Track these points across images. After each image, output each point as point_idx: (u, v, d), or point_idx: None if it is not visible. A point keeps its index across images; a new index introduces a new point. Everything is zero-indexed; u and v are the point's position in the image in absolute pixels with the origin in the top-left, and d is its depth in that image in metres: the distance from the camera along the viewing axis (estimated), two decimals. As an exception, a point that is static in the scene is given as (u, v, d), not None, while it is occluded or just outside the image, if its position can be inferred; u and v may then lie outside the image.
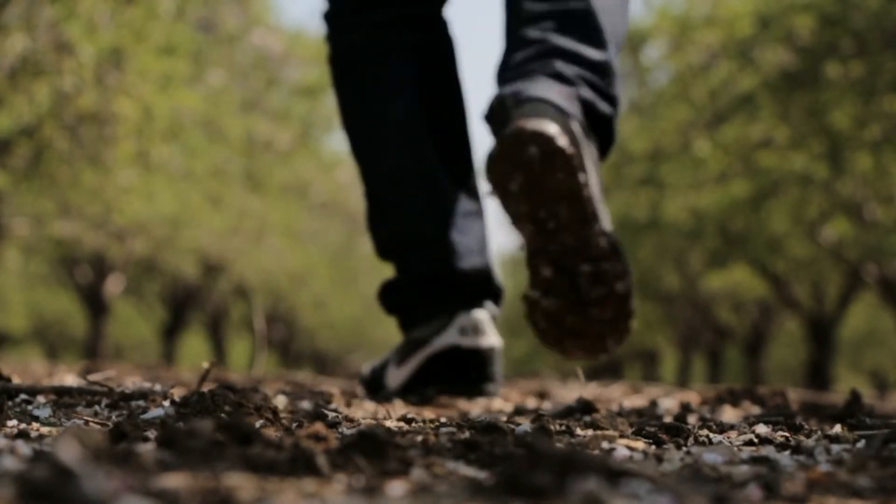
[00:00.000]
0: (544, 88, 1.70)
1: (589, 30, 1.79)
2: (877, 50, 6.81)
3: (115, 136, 6.67)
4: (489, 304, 2.14)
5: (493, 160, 1.68)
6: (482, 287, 2.11)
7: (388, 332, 23.96)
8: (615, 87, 1.81)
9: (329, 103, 11.94)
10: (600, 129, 1.79)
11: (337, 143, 15.44)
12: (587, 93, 1.76)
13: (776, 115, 7.89)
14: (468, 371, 2.05)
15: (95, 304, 12.61)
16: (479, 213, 2.13)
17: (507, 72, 1.78)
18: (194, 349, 22.43)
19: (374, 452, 1.09)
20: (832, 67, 7.10)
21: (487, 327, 2.09)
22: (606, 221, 1.75)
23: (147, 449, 1.10)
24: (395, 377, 2.13)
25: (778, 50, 7.47)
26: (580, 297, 1.75)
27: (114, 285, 12.61)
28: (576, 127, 1.69)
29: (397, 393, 2.12)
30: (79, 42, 5.88)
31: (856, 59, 6.97)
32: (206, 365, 1.84)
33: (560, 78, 1.74)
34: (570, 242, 1.70)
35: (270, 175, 10.91)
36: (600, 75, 1.78)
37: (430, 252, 2.05)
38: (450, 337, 2.06)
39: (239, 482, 0.96)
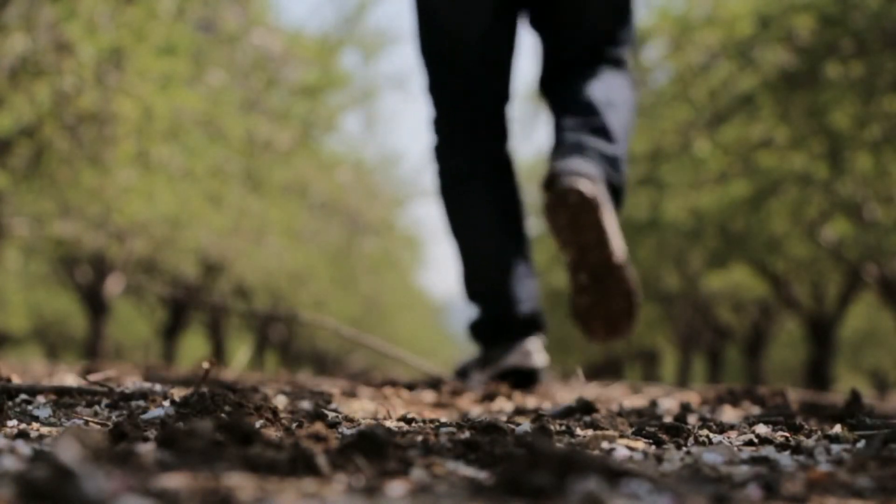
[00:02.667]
0: (580, 164, 2.73)
1: (605, 135, 2.86)
2: (877, 50, 6.81)
3: (115, 136, 6.66)
4: (539, 335, 3.10)
5: (549, 206, 2.69)
6: (533, 324, 3.09)
7: (389, 332, 23.97)
8: (622, 167, 2.88)
9: (329, 103, 11.95)
10: (614, 192, 2.84)
11: (337, 143, 15.46)
12: (606, 169, 2.80)
13: (776, 115, 7.89)
14: (524, 381, 2.99)
15: (95, 304, 12.61)
16: (532, 275, 3.14)
17: (556, 156, 2.81)
18: (194, 349, 22.43)
19: (374, 452, 1.09)
20: (832, 67, 7.10)
21: (536, 352, 3.04)
22: (620, 245, 2.76)
23: (147, 449, 1.10)
24: (476, 379, 3.02)
25: (778, 50, 7.47)
26: (605, 294, 2.77)
27: (114, 285, 12.61)
28: (600, 187, 2.70)
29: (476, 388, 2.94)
30: (79, 42, 5.88)
31: (856, 59, 6.96)
32: (206, 365, 1.84)
33: (589, 160, 2.76)
34: (596, 259, 2.72)
35: (270, 175, 10.91)
36: (613, 161, 2.84)
37: (502, 301, 3.07)
38: (513, 358, 3.01)
39: (239, 482, 0.96)
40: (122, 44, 6.15)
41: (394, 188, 19.47)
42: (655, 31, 8.71)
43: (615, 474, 0.98)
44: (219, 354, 15.49)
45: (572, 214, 2.65)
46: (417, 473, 1.06)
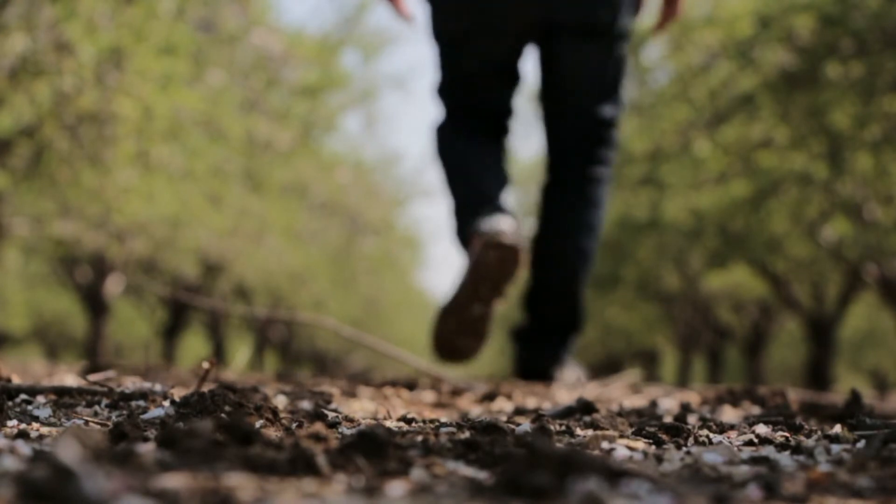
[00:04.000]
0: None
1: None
2: (877, 50, 6.81)
3: (115, 136, 6.66)
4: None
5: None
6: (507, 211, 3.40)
7: (388, 332, 23.97)
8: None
9: (329, 103, 11.95)
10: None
11: (337, 143, 15.45)
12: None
13: (776, 115, 7.89)
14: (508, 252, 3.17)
15: (95, 304, 12.61)
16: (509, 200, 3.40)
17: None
18: (194, 349, 22.43)
19: (374, 452, 1.09)
20: (832, 67, 7.10)
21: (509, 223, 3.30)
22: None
23: (147, 449, 1.10)
24: (470, 251, 3.15)
25: (778, 50, 7.47)
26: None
27: (114, 285, 12.61)
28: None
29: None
30: (79, 42, 5.88)
31: (856, 59, 6.96)
32: (206, 365, 1.84)
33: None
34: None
35: (270, 175, 10.91)
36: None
37: (486, 205, 3.23)
38: (491, 223, 3.11)
39: (239, 482, 0.96)
40: (122, 44, 6.14)
41: (394, 188, 19.49)
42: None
43: (615, 474, 0.98)
44: (219, 354, 15.49)
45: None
46: (417, 473, 1.06)
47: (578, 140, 3.37)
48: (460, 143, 3.38)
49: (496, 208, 3.12)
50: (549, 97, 3.41)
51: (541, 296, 3.42)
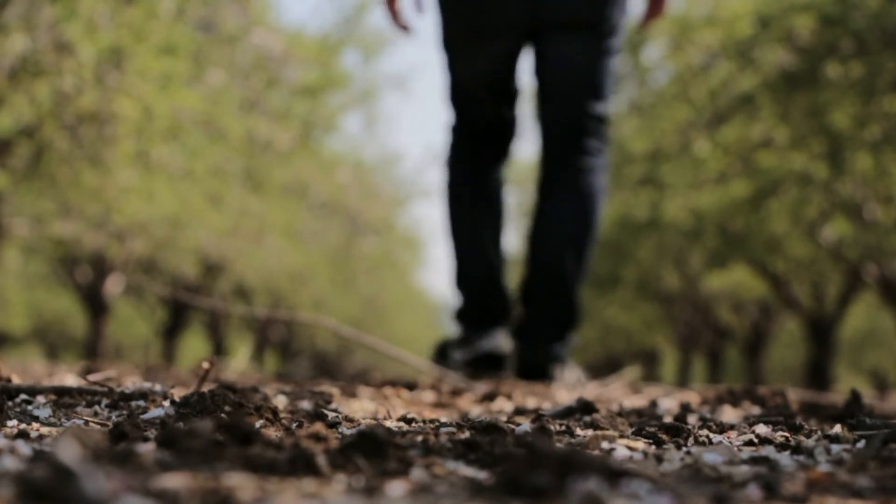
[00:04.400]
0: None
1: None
2: (877, 50, 6.81)
3: (115, 136, 6.66)
4: (506, 325, 3.63)
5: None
6: (506, 315, 3.62)
7: (388, 332, 23.97)
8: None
9: (329, 103, 11.95)
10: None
11: (337, 142, 15.45)
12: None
13: (776, 115, 7.89)
14: (495, 365, 3.48)
15: (95, 304, 12.61)
16: (505, 277, 3.69)
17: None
18: (194, 349, 22.43)
19: (374, 452, 1.09)
20: (832, 67, 7.10)
21: (505, 340, 3.56)
22: None
23: (147, 449, 1.10)
24: (456, 358, 3.43)
25: (778, 50, 7.47)
26: None
27: (114, 285, 12.61)
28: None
29: (456, 366, 3.41)
30: (79, 42, 5.88)
31: (856, 59, 6.96)
32: (206, 365, 1.83)
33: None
34: None
35: (270, 175, 10.91)
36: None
37: (485, 293, 3.60)
38: (490, 343, 3.49)
39: (239, 482, 0.96)
40: (122, 44, 6.14)
41: (394, 188, 19.48)
42: (655, 31, 8.71)
43: (615, 474, 0.98)
44: (219, 354, 15.49)
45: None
46: (417, 473, 1.06)
47: (567, 132, 3.44)
48: (468, 194, 3.58)
49: (489, 318, 3.53)
50: (540, 93, 3.49)
51: (536, 287, 3.49)
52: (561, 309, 3.47)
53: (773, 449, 1.41)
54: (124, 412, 1.68)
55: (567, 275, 3.43)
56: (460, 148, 3.62)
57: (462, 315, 3.62)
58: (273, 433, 1.40)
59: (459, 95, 3.55)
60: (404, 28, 3.53)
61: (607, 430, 1.64)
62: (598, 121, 3.44)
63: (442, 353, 3.53)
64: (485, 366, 3.43)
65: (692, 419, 2.01)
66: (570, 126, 3.42)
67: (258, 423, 1.47)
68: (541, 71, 3.44)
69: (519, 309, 3.58)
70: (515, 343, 3.55)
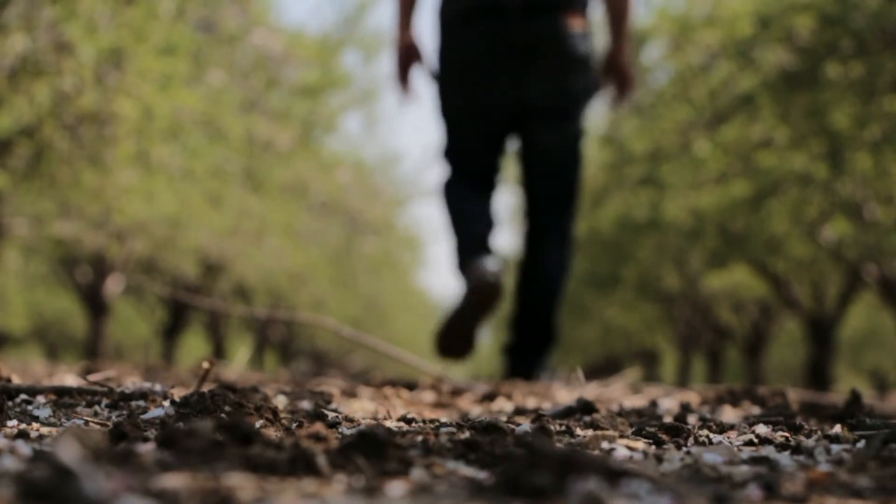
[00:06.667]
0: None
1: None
2: (877, 50, 6.81)
3: (115, 136, 6.66)
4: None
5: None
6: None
7: (388, 332, 23.97)
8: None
9: (329, 103, 11.95)
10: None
11: (337, 143, 15.45)
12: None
13: (776, 115, 7.89)
14: (492, 288, 3.92)
15: (95, 304, 12.61)
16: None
17: None
18: (194, 349, 22.43)
19: (374, 452, 1.09)
20: (832, 67, 7.09)
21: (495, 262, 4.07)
22: None
23: (147, 449, 1.10)
24: (464, 288, 4.00)
25: (778, 50, 7.47)
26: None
27: (114, 285, 12.61)
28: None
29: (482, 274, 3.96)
30: (79, 42, 5.88)
31: (856, 59, 6.96)
32: (206, 365, 1.83)
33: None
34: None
35: (270, 175, 10.91)
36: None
37: (480, 251, 3.99)
38: (483, 266, 3.89)
39: (239, 482, 0.96)
40: (122, 44, 6.14)
41: (394, 188, 19.46)
42: (655, 31, 8.71)
43: (615, 474, 0.98)
44: (219, 354, 15.49)
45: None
46: (417, 473, 1.06)
47: (553, 198, 4.23)
48: (459, 197, 4.20)
49: (486, 251, 3.95)
50: (526, 165, 4.25)
51: (523, 319, 4.24)
52: (543, 334, 4.23)
53: (773, 449, 1.41)
54: (124, 412, 1.68)
55: (549, 310, 4.21)
56: (454, 183, 4.25)
57: (461, 263, 4.08)
58: (273, 433, 1.40)
59: (459, 154, 4.23)
60: (412, 99, 4.34)
61: (607, 430, 1.64)
62: (575, 186, 4.24)
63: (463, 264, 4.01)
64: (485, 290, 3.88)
65: (692, 419, 2.01)
66: (558, 194, 4.21)
67: (258, 423, 1.47)
68: (527, 147, 4.21)
69: (510, 333, 4.29)
70: (506, 359, 4.28)
